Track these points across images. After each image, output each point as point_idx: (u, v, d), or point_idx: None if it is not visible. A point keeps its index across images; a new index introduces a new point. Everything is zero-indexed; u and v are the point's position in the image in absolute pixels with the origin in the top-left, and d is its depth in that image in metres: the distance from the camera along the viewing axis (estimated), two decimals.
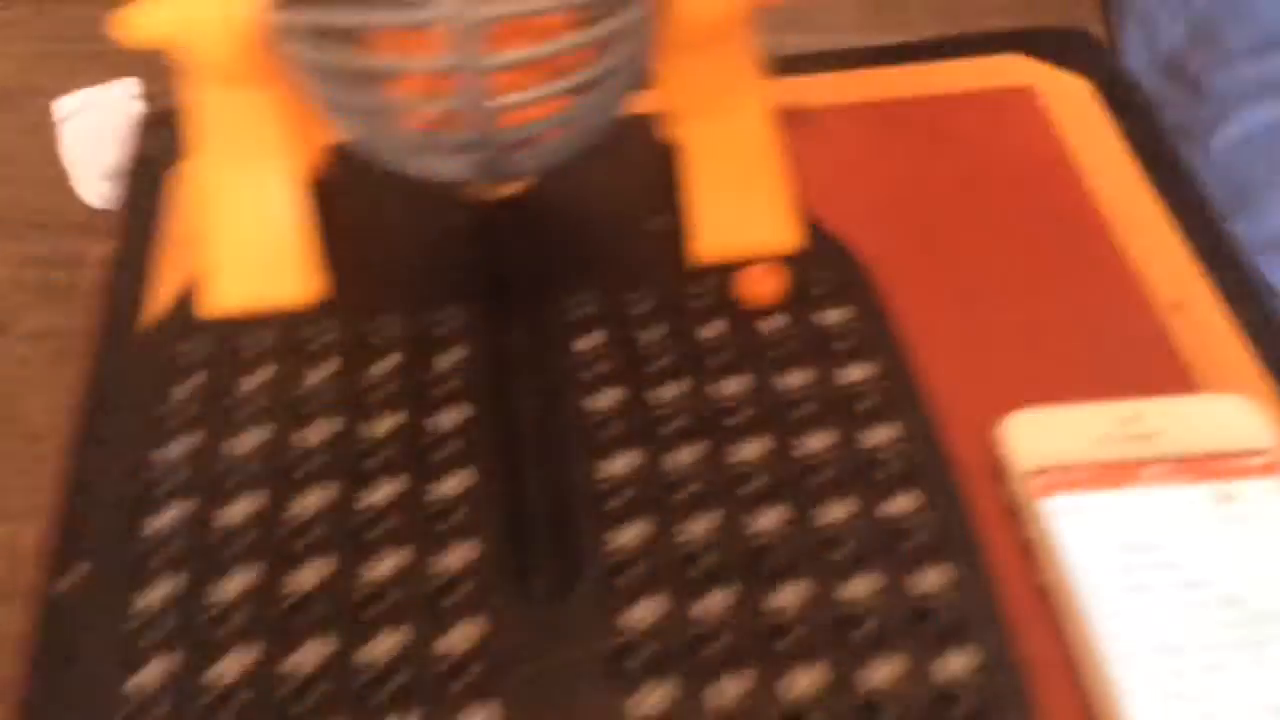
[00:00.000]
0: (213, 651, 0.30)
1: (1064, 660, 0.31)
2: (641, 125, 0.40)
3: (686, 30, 0.35)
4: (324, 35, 0.33)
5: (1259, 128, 1.19)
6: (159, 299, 0.39)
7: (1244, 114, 1.16)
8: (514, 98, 0.32)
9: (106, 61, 1.54)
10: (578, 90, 0.33)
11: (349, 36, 0.33)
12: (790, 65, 0.42)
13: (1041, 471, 0.34)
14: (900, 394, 0.35)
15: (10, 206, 1.39)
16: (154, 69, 1.58)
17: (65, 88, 1.50)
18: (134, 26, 0.34)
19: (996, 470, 0.34)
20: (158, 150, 0.45)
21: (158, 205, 0.43)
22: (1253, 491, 0.33)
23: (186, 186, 0.43)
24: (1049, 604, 0.32)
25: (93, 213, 1.37)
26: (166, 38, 0.34)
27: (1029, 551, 0.33)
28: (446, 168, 0.35)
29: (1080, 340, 0.38)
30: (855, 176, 0.42)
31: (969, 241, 0.41)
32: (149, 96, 1.49)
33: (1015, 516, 0.33)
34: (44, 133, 1.46)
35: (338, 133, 0.35)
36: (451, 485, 0.33)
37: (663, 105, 0.37)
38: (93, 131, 1.46)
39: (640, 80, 0.35)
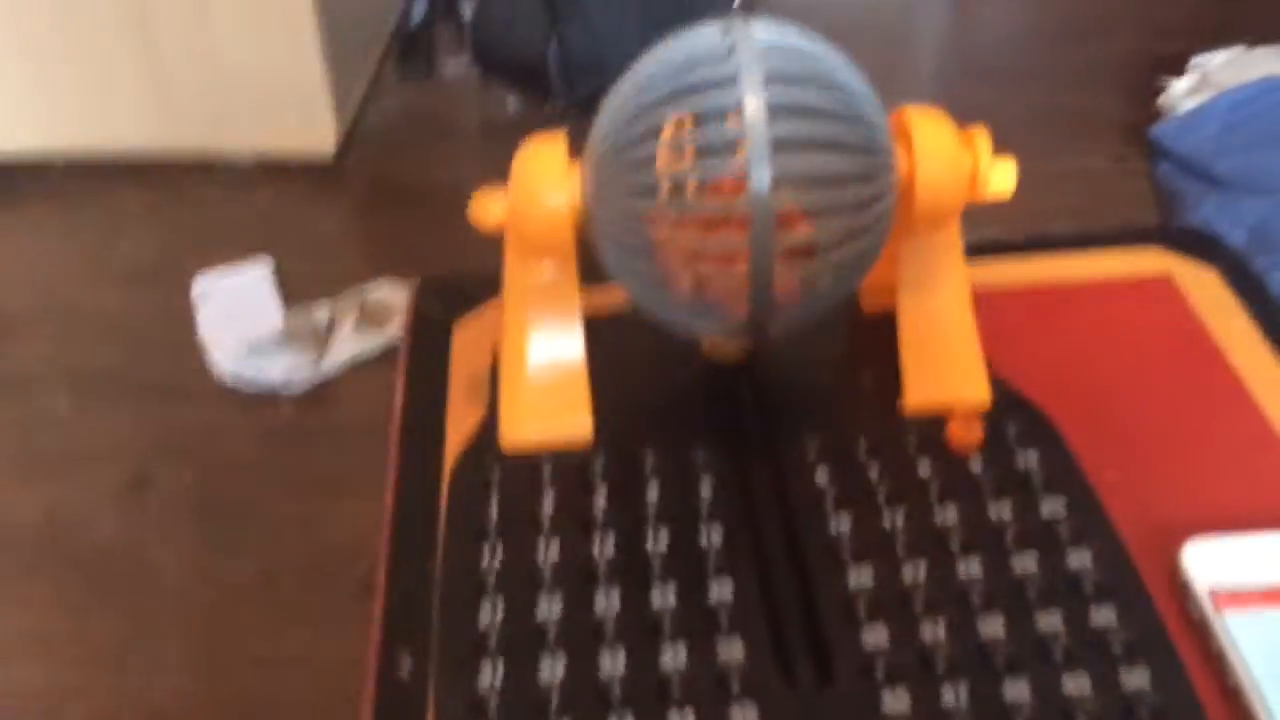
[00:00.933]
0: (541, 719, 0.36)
1: None
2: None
3: (918, 219, 0.43)
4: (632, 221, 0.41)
5: None
6: (456, 434, 0.47)
7: None
8: (792, 271, 0.40)
9: (239, 242, 1.67)
10: (839, 267, 0.41)
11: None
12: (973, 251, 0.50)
13: (1219, 590, 0.40)
14: (1089, 521, 0.41)
15: (151, 377, 1.49)
16: (282, 250, 1.69)
17: (202, 265, 1.62)
18: (484, 209, 0.42)
19: (1181, 589, 0.40)
20: (432, 312, 0.53)
21: (438, 357, 0.51)
22: None
23: (466, 341, 0.51)
24: (1236, 705, 0.37)
25: (225, 387, 1.47)
26: (501, 220, 0.42)
27: (1218, 658, 0.38)
28: (709, 327, 0.42)
29: (1236, 487, 0.44)
30: (1031, 349, 0.49)
31: (1129, 404, 0.48)
32: (278, 273, 1.61)
33: (1201, 628, 0.39)
34: (181, 308, 1.57)
35: (619, 296, 0.43)
36: (717, 593, 0.39)
37: (880, 278, 0.44)
38: (228, 308, 1.57)
39: (874, 261, 0.42)
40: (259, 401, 1.46)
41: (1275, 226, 1.40)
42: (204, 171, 1.82)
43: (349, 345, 1.49)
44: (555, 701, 0.36)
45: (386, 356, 1.50)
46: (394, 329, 1.51)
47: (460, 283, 0.54)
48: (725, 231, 0.43)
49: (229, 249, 1.65)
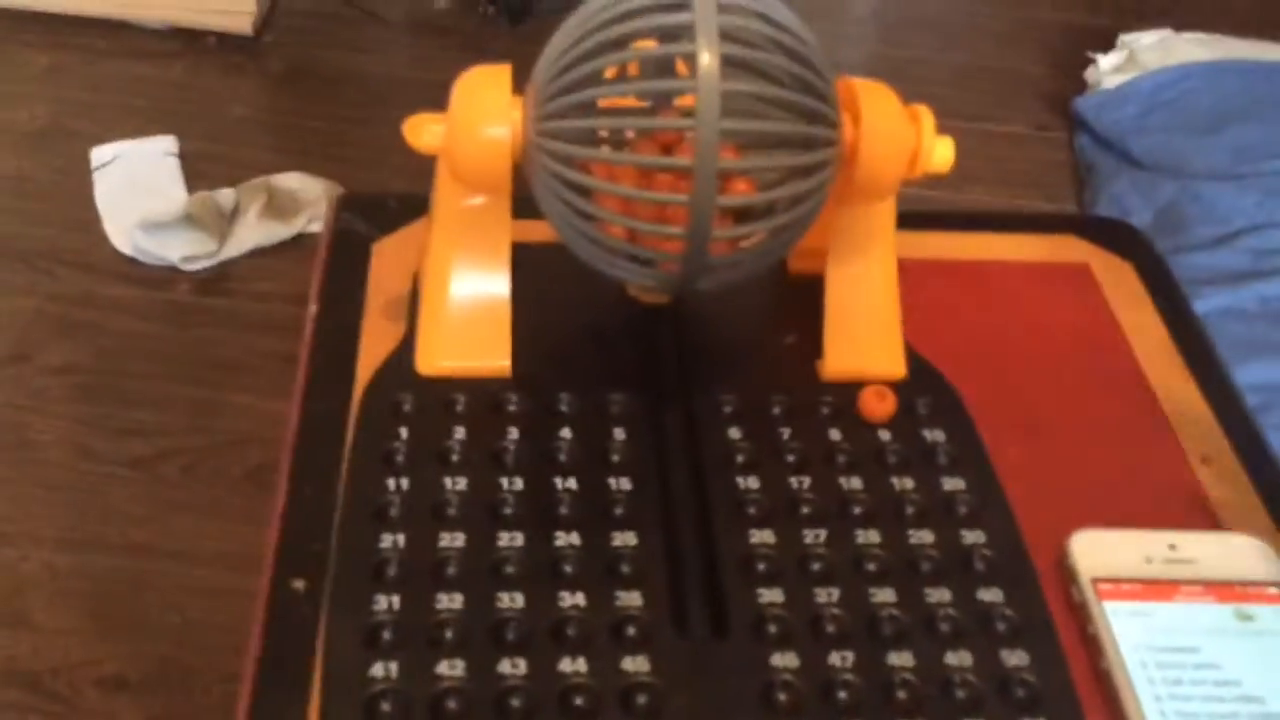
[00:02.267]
0: (433, 655, 0.36)
1: None
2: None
3: (856, 191, 0.43)
4: (575, 152, 0.40)
5: (1213, 311, 1.31)
6: (369, 356, 0.46)
7: (1200, 299, 1.28)
8: (731, 231, 0.40)
9: (144, 116, 1.61)
10: (776, 232, 0.41)
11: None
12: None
13: (1101, 580, 0.41)
14: (987, 502, 0.43)
15: (42, 243, 1.44)
16: (189, 128, 1.64)
17: (103, 136, 1.56)
18: (419, 133, 0.41)
19: (1065, 574, 0.42)
20: (353, 227, 0.52)
21: (356, 275, 0.50)
22: (1268, 614, 0.41)
23: (386, 261, 0.50)
24: (1106, 687, 0.39)
25: (121, 258, 1.43)
26: (439, 148, 0.42)
27: (1092, 642, 0.40)
28: (639, 276, 0.42)
29: (1126, 478, 0.46)
30: (945, 322, 0.50)
31: (1035, 387, 0.49)
32: (183, 155, 1.56)
33: (1081, 612, 0.41)
34: (79, 176, 1.52)
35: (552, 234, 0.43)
36: (620, 542, 0.40)
37: (809, 242, 0.45)
38: (127, 181, 1.52)
39: (808, 228, 0.43)
40: (155, 279, 1.42)
41: (1183, 210, 1.43)
42: (115, 36, 1.75)
43: (253, 233, 1.46)
44: (449, 638, 0.37)
45: (289, 247, 1.47)
46: (300, 222, 1.48)
47: (383, 201, 0.53)
48: (663, 184, 0.42)
49: (134, 120, 1.60)
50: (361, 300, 0.49)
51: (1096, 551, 0.42)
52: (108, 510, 1.19)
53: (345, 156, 1.59)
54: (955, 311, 0.51)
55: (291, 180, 1.52)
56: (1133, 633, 0.40)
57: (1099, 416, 0.48)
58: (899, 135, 0.42)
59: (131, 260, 1.43)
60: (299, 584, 0.39)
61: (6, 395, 1.29)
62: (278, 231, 1.47)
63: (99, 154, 1.55)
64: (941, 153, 0.43)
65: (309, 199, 1.50)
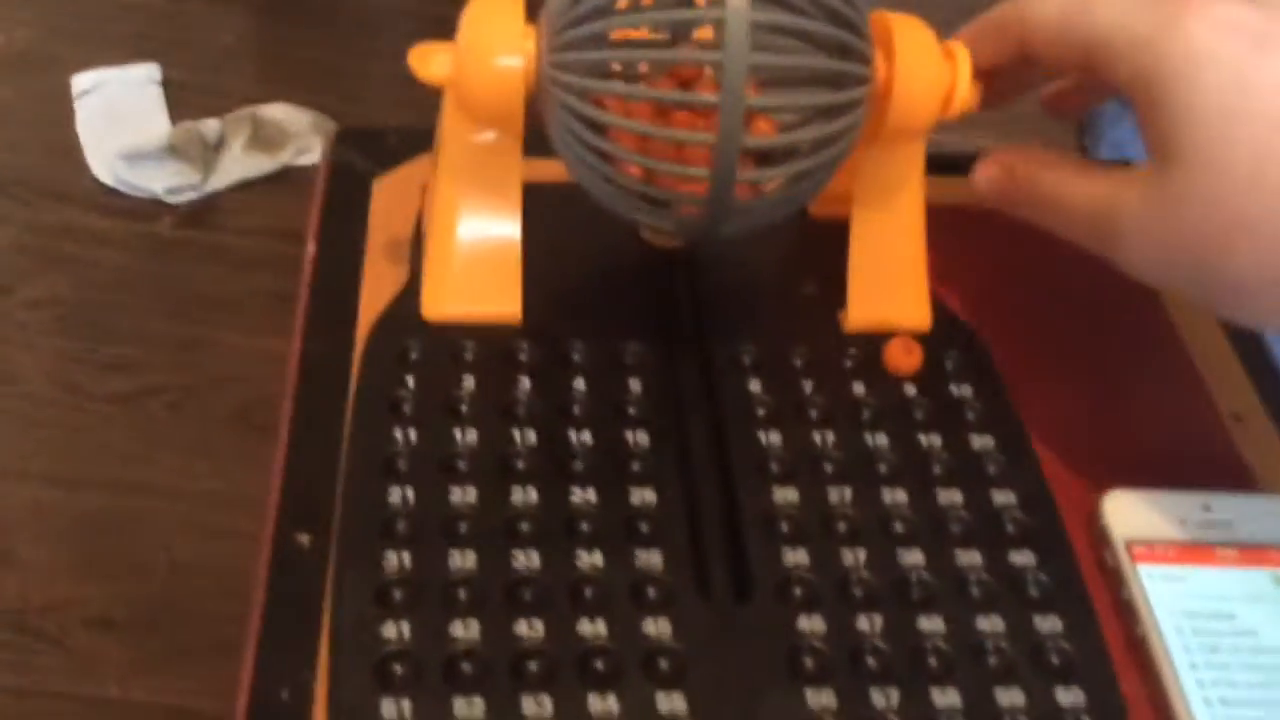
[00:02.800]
0: (446, 615, 0.35)
1: (1150, 700, 0.37)
2: None
3: (887, 133, 0.41)
4: (589, 85, 0.38)
5: None
6: (371, 297, 0.44)
7: None
8: (754, 174, 0.38)
9: (128, 43, 1.57)
10: (800, 177, 0.39)
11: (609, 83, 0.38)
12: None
13: (1135, 542, 0.40)
14: (1017, 463, 0.41)
15: (20, 172, 1.41)
16: (171, 56, 1.60)
17: (84, 63, 1.52)
18: (426, 62, 0.39)
19: (1097, 536, 0.40)
20: (352, 163, 0.50)
21: (355, 213, 0.48)
22: None
23: (386, 199, 0.48)
24: (1140, 653, 0.38)
25: (102, 188, 1.40)
26: (447, 78, 0.39)
27: (1126, 607, 0.39)
28: (657, 219, 0.40)
29: (1158, 435, 0.44)
30: (961, 272, 0.48)
31: (1068, 340, 0.47)
32: (166, 83, 1.52)
33: (1114, 576, 0.39)
34: (59, 104, 1.48)
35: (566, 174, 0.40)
36: (639, 499, 0.38)
37: (834, 186, 0.42)
38: (108, 110, 1.48)
39: (836, 172, 0.40)
40: (138, 211, 1.39)
41: None
42: None
43: (238, 166, 1.43)
44: (463, 598, 0.35)
45: (275, 181, 1.44)
46: (287, 155, 1.45)
47: (383, 136, 0.51)
48: (681, 122, 0.40)
49: (117, 48, 1.56)
50: (361, 240, 0.47)
51: (1129, 513, 0.41)
52: (94, 447, 1.17)
53: (334, 88, 1.56)
54: (973, 261, 0.49)
55: (278, 111, 1.49)
56: (1168, 598, 0.39)
57: (1128, 370, 0.47)
58: (934, 74, 0.40)
59: (113, 191, 1.40)
60: (304, 538, 0.38)
61: None
62: (263, 164, 1.44)
63: (80, 81, 1.51)
64: (970, 94, 0.41)
65: (296, 131, 1.46)
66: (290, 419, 0.41)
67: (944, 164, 0.51)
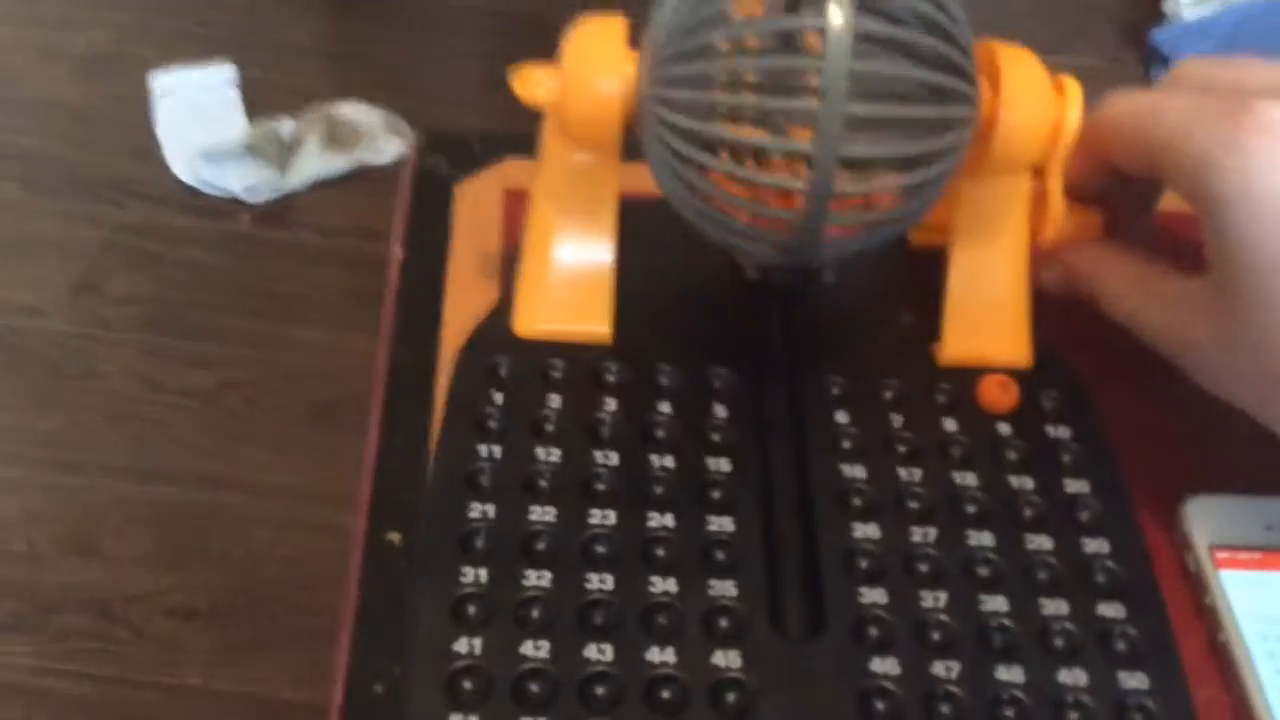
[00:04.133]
0: (518, 634, 0.35)
1: (1231, 707, 0.37)
2: None
3: (991, 164, 0.40)
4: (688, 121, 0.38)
5: None
6: (456, 304, 0.45)
7: None
8: (851, 217, 0.38)
9: (203, 44, 1.60)
10: (897, 220, 0.38)
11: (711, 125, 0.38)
12: None
13: (1218, 548, 0.40)
14: (1113, 510, 0.40)
15: (105, 172, 1.44)
16: (247, 55, 1.63)
17: (162, 64, 1.55)
18: (528, 84, 0.39)
19: (1179, 542, 0.40)
20: (437, 169, 0.51)
21: (440, 219, 0.49)
22: None
23: (470, 205, 0.49)
24: (1223, 659, 0.38)
25: (183, 188, 1.43)
26: (549, 101, 0.40)
27: (1208, 613, 0.39)
28: (751, 249, 0.40)
29: (1240, 438, 0.44)
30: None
31: (1141, 343, 0.47)
32: (242, 83, 1.55)
33: (1196, 582, 0.39)
34: (139, 105, 1.51)
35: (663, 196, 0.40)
36: (717, 527, 0.38)
37: (934, 216, 0.41)
38: (188, 110, 1.51)
39: (931, 209, 0.39)
40: (217, 209, 1.42)
41: None
42: None
43: (314, 164, 1.45)
44: (535, 617, 0.35)
45: (350, 180, 1.46)
46: (361, 153, 1.47)
47: (466, 141, 0.52)
48: (781, 168, 0.40)
49: (193, 47, 1.59)
50: (445, 245, 0.48)
51: (1212, 518, 0.41)
52: (173, 441, 1.21)
53: (407, 87, 1.58)
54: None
55: (352, 111, 1.51)
56: (1250, 603, 0.39)
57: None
58: (1043, 106, 0.39)
59: (193, 190, 1.43)
60: (394, 536, 0.39)
61: (76, 325, 1.30)
62: (338, 163, 1.46)
63: (159, 82, 1.54)
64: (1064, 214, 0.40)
65: (369, 130, 1.49)
66: (380, 421, 0.42)
67: None
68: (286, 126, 1.47)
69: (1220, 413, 0.45)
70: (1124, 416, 0.43)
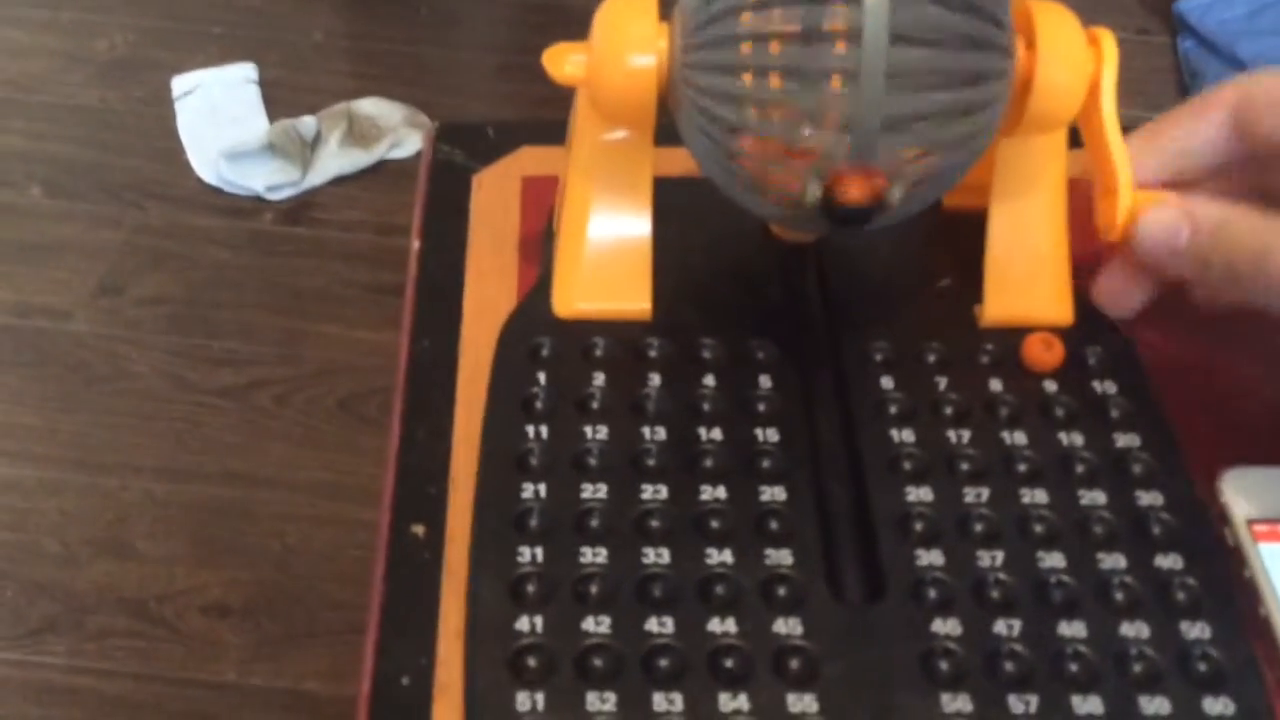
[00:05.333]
0: (578, 610, 0.35)
1: (1275, 682, 0.36)
2: None
3: (1027, 124, 0.39)
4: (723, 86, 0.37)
5: None
6: (479, 296, 0.45)
7: None
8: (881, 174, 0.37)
9: (222, 44, 1.60)
10: (937, 177, 0.38)
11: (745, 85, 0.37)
12: None
13: (1257, 521, 0.39)
14: (1164, 462, 0.39)
15: (127, 174, 1.45)
16: (266, 55, 1.63)
17: (182, 65, 1.56)
18: (559, 63, 0.39)
19: (1217, 514, 0.40)
20: (452, 159, 0.51)
21: (458, 209, 0.49)
22: None
23: (487, 194, 0.49)
24: (1264, 633, 0.37)
25: (205, 188, 1.43)
26: (581, 79, 0.39)
27: (1248, 587, 0.38)
28: (788, 217, 0.39)
29: (1276, 410, 0.43)
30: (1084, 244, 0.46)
31: (1187, 317, 0.46)
32: (262, 82, 1.55)
33: (1235, 555, 0.39)
34: (160, 106, 1.52)
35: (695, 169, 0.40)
36: (770, 497, 0.38)
37: (971, 176, 0.40)
38: (209, 110, 1.52)
39: (969, 170, 0.39)
40: (240, 208, 1.42)
41: None
42: None
43: (335, 161, 1.45)
44: (594, 593, 0.35)
45: (371, 175, 1.46)
46: (382, 148, 1.47)
47: (482, 131, 0.51)
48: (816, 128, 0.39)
49: (212, 48, 1.59)
50: (464, 235, 0.48)
51: (1250, 491, 0.40)
52: (204, 439, 1.21)
53: (424, 80, 1.58)
54: (1077, 231, 0.48)
55: (371, 106, 1.51)
56: None
57: (1247, 346, 0.45)
58: (1078, 62, 0.38)
59: (216, 190, 1.43)
60: (418, 529, 0.39)
61: (102, 326, 1.30)
62: (359, 159, 1.46)
63: (180, 83, 1.54)
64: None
65: (389, 125, 1.49)
66: (401, 414, 0.42)
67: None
68: (307, 124, 1.47)
69: (1255, 382, 0.44)
70: (1156, 385, 0.42)
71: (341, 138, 1.47)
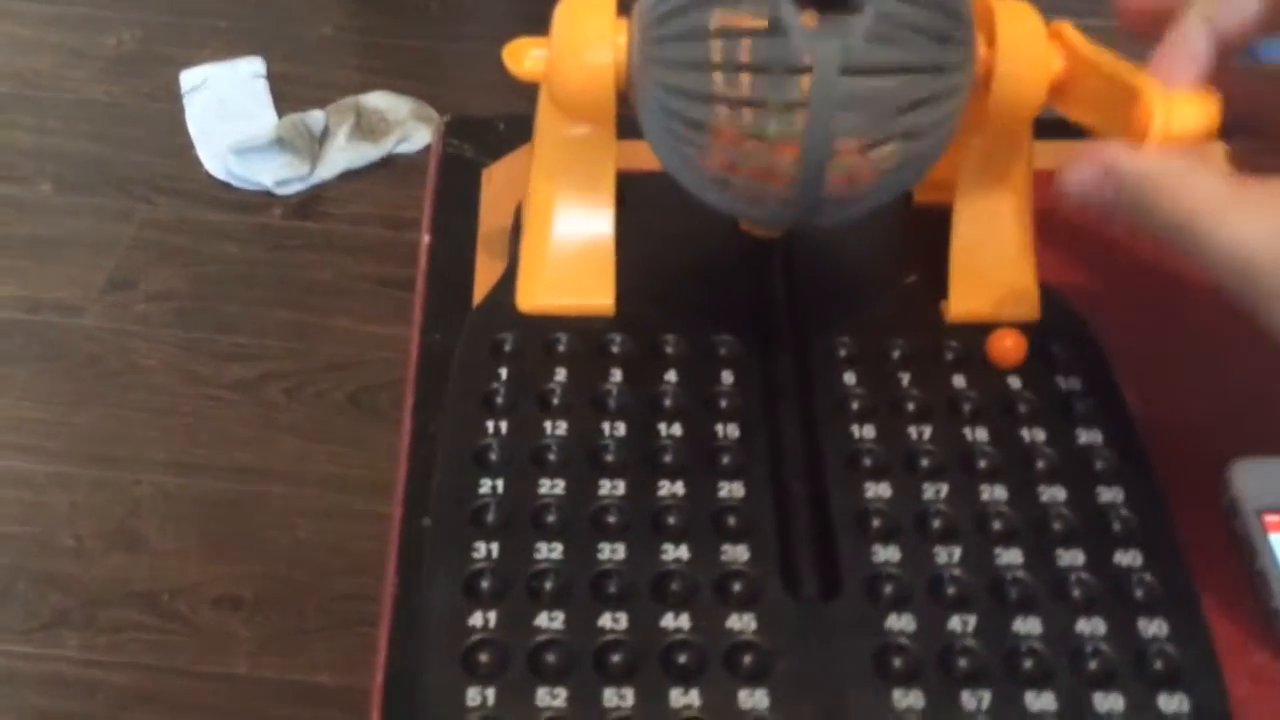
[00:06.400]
0: (531, 606, 0.35)
1: None
2: None
3: (990, 117, 0.39)
4: (684, 76, 0.37)
5: None
6: (485, 285, 0.45)
7: None
8: (845, 163, 0.37)
9: (230, 39, 1.60)
10: (899, 167, 0.38)
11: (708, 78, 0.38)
12: None
13: (1267, 511, 0.39)
14: (1126, 458, 0.39)
15: (136, 170, 1.45)
16: (274, 50, 1.63)
17: (190, 60, 1.56)
18: (519, 59, 0.39)
19: (1227, 506, 0.40)
20: (462, 153, 0.51)
21: (467, 203, 0.49)
22: None
23: (495, 189, 0.49)
24: (1276, 624, 0.37)
25: (214, 183, 1.43)
26: (540, 74, 0.39)
27: (1259, 578, 0.38)
28: (752, 210, 0.40)
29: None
30: (1061, 238, 0.46)
31: (1189, 307, 0.46)
32: (270, 76, 1.55)
33: (1245, 546, 0.39)
34: (169, 102, 1.52)
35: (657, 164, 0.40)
36: (727, 493, 0.38)
37: (937, 172, 0.41)
38: (217, 105, 1.52)
39: (935, 163, 0.39)
40: (249, 203, 1.43)
41: None
42: None
43: (343, 155, 1.46)
44: (548, 588, 0.35)
45: (379, 169, 1.46)
46: (390, 142, 1.47)
47: (491, 124, 0.52)
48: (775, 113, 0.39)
49: (220, 42, 1.60)
50: (474, 229, 0.48)
51: (1259, 481, 0.40)
52: (214, 433, 1.21)
53: (432, 75, 1.58)
54: (1074, 226, 0.47)
55: (379, 100, 1.51)
56: None
57: (1250, 335, 0.45)
58: (1039, 58, 0.39)
59: (225, 185, 1.44)
60: (429, 521, 0.39)
61: (112, 321, 1.31)
62: (368, 153, 1.46)
63: (188, 78, 1.55)
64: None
65: (397, 119, 1.49)
66: (413, 408, 0.42)
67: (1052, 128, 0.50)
68: (316, 119, 1.47)
69: (1260, 372, 0.44)
70: (1162, 380, 0.43)
71: (350, 132, 1.47)
